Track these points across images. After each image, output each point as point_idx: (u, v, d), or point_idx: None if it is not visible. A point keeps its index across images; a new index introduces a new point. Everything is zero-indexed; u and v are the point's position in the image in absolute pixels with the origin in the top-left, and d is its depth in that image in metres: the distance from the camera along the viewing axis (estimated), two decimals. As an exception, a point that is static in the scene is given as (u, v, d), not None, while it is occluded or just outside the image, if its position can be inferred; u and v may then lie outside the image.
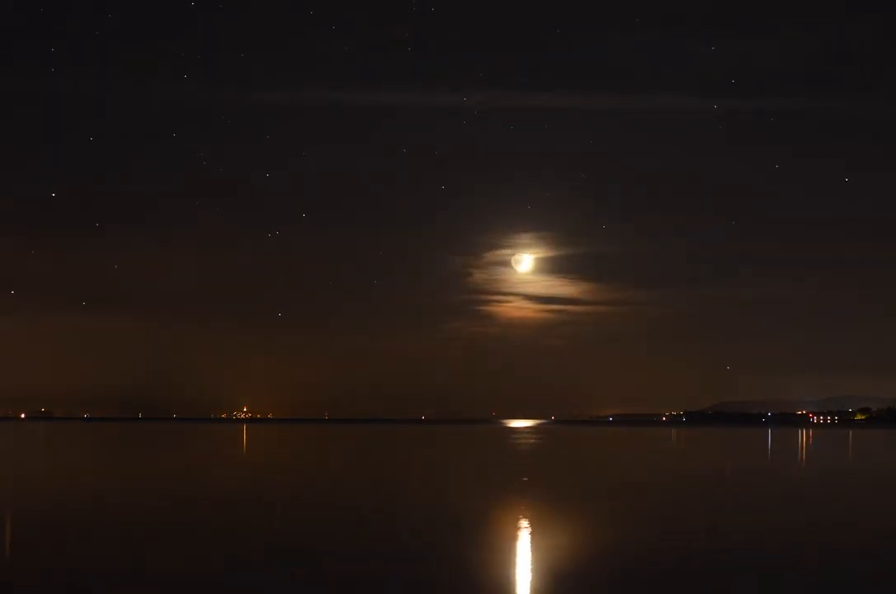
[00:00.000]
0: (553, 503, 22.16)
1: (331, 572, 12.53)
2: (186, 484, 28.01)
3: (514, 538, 15.80)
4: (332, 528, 17.00)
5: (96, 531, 16.60)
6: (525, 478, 30.60)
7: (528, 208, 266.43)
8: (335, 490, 25.75)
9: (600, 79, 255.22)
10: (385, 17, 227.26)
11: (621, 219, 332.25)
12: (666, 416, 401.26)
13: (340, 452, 55.70)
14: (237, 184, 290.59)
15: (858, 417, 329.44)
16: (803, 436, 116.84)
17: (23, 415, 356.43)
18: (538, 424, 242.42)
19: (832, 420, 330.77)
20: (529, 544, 15.07)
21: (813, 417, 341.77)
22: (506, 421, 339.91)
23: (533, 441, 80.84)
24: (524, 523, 17.75)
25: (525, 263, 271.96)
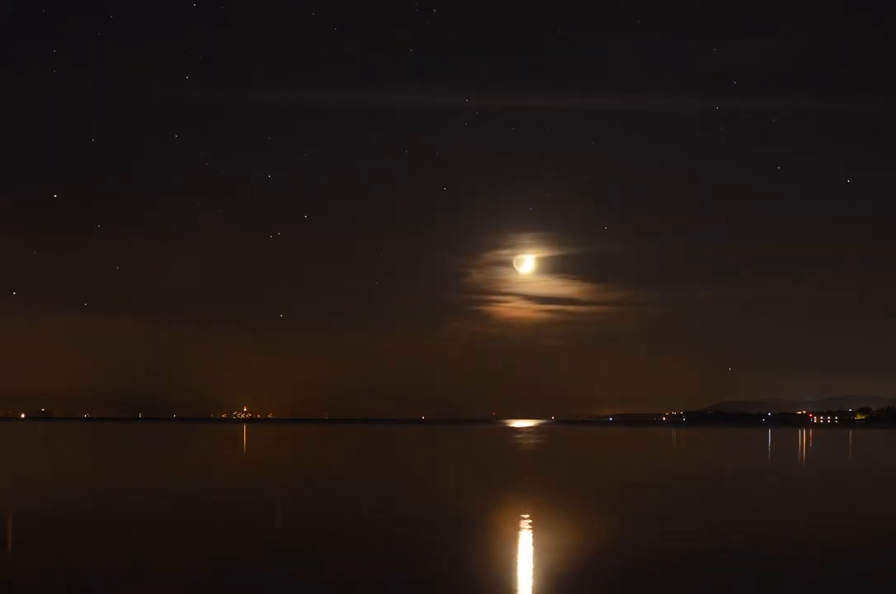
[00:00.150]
0: (554, 503, 22.16)
1: (331, 572, 12.53)
2: (186, 484, 28.01)
3: (514, 538, 15.80)
4: (332, 528, 16.99)
5: (96, 531, 16.59)
6: (526, 478, 30.59)
7: (528, 208, 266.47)
8: (335, 490, 25.75)
9: (600, 79, 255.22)
10: (386, 18, 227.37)
11: (621, 219, 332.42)
12: (666, 416, 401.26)
13: (340, 452, 55.71)
14: (238, 184, 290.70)
15: (858, 417, 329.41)
16: (803, 436, 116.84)
17: (23, 415, 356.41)
18: (538, 424, 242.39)
19: (832, 420, 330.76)
20: (530, 544, 15.07)
21: (813, 417, 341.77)
22: (506, 421, 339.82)
23: (533, 441, 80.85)
24: (524, 523, 17.75)
25: (525, 263, 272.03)
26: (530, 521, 18.04)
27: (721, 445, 75.43)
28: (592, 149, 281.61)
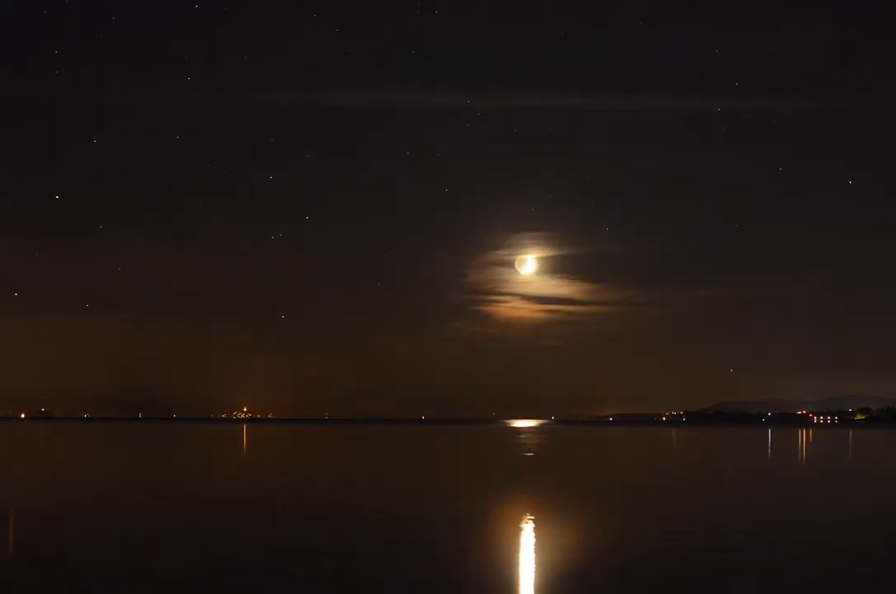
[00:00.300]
0: (554, 503, 22.15)
1: (331, 572, 12.53)
2: (185, 484, 28.00)
3: (514, 538, 15.80)
4: (332, 528, 16.99)
5: (96, 531, 16.60)
6: (526, 478, 30.60)
7: (528, 209, 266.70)
8: (335, 490, 25.74)
9: (601, 79, 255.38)
10: (387, 19, 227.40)
11: (622, 219, 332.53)
12: (666, 416, 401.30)
13: (340, 452, 55.71)
14: (239, 184, 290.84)
15: (858, 417, 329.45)
16: (803, 436, 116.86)
17: (23, 415, 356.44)
18: (538, 424, 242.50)
19: (832, 420, 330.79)
20: (530, 544, 15.07)
21: (813, 417, 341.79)
22: (506, 421, 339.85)
23: (533, 441, 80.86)
24: (525, 523, 17.75)
25: (525, 263, 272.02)
26: (531, 521, 18.04)
27: (721, 445, 75.46)
28: (593, 149, 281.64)
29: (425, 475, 33.71)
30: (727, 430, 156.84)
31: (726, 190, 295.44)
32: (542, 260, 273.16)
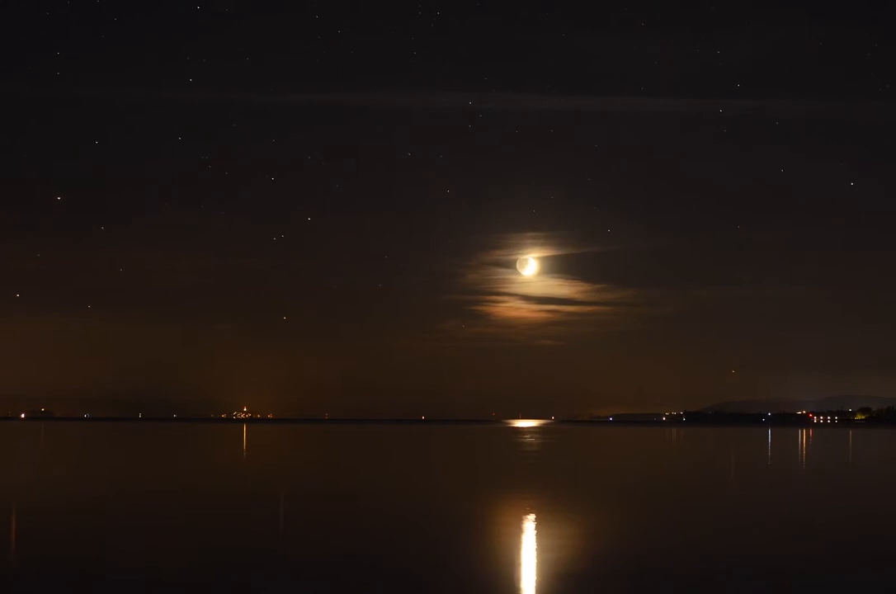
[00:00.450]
0: (555, 503, 22.12)
1: (331, 572, 12.51)
2: (185, 484, 27.97)
3: (516, 538, 15.78)
4: (332, 528, 16.97)
5: (95, 531, 16.59)
6: (527, 478, 30.58)
7: (529, 210, 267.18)
8: (335, 490, 25.72)
9: (602, 81, 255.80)
10: (391, 22, 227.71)
11: (622, 219, 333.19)
12: (666, 416, 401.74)
13: (340, 452, 55.70)
14: (241, 186, 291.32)
15: (858, 417, 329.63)
16: (803, 436, 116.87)
17: (23, 416, 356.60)
18: (538, 425, 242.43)
19: (832, 420, 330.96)
20: (532, 544, 15.05)
21: (813, 417, 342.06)
22: (506, 421, 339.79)
23: (534, 441, 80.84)
24: (526, 523, 17.73)
25: (525, 264, 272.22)
26: (532, 521, 18.02)
27: (721, 445, 75.44)
28: (594, 150, 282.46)
29: (425, 475, 33.70)
30: (727, 430, 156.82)
31: (727, 191, 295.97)
32: (542, 260, 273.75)
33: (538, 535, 16.00)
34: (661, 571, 12.68)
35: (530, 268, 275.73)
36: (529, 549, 14.47)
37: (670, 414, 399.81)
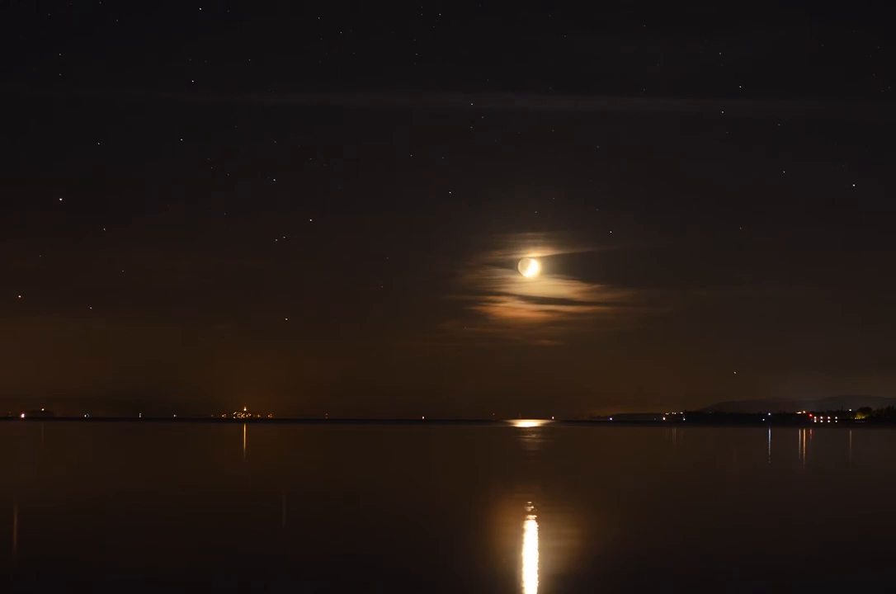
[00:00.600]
0: (556, 504, 22.12)
1: (332, 572, 12.52)
2: (185, 484, 27.99)
3: (517, 538, 15.79)
4: (332, 528, 16.98)
5: (95, 531, 16.59)
6: (529, 478, 30.59)
7: (527, 210, 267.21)
8: (335, 490, 25.72)
9: (603, 82, 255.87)
10: (392, 23, 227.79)
11: (622, 219, 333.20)
12: (666, 416, 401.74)
13: (340, 452, 55.70)
14: (242, 187, 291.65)
15: (858, 417, 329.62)
16: (803, 435, 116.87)
17: (23, 416, 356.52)
18: (539, 425, 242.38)
19: (832, 420, 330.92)
20: (533, 544, 15.06)
21: (813, 417, 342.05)
22: (506, 422, 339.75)
23: (536, 441, 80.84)
24: (527, 523, 17.73)
25: (526, 264, 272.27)
26: (532, 521, 18.02)
27: (721, 445, 75.45)
28: (594, 150, 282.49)
29: (426, 475, 33.69)
30: (727, 430, 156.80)
31: (727, 191, 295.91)
32: (542, 260, 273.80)
33: (539, 535, 16.00)
34: (662, 571, 12.68)
35: (530, 268, 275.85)
36: (530, 549, 14.47)
37: (670, 414, 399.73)
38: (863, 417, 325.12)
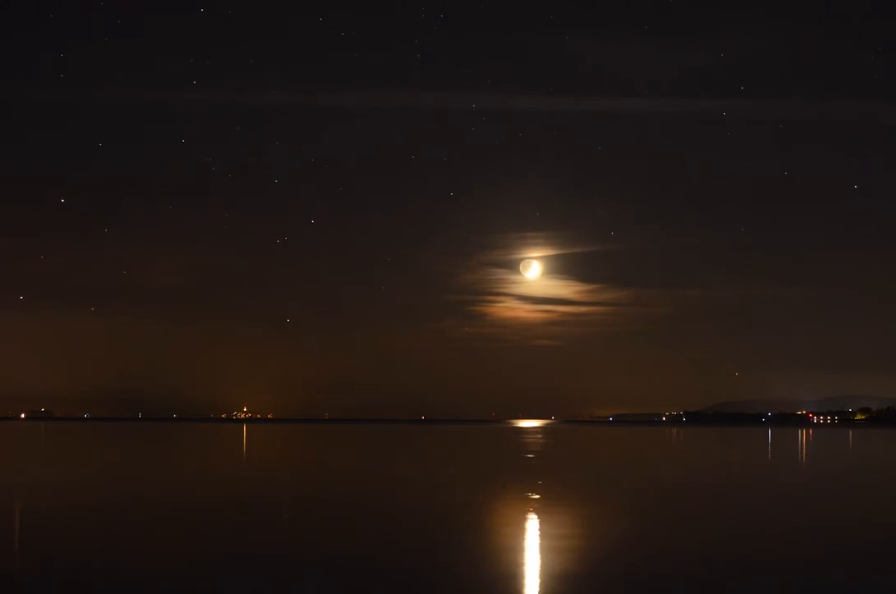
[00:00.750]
0: (558, 504, 22.09)
1: (332, 572, 12.48)
2: (185, 484, 27.96)
3: (518, 538, 15.75)
4: (332, 529, 16.95)
5: (94, 531, 16.56)
6: (530, 478, 30.55)
7: (526, 210, 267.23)
8: (335, 490, 25.70)
9: (603, 83, 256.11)
10: (394, 24, 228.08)
11: (622, 220, 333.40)
12: (666, 416, 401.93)
13: (340, 452, 55.67)
14: (243, 187, 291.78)
15: (858, 417, 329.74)
16: (803, 435, 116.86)
17: (23, 416, 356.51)
18: (540, 425, 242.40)
19: (832, 420, 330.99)
20: (535, 544, 15.02)
21: (813, 417, 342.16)
22: (506, 422, 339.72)
23: (537, 441, 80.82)
24: (530, 523, 17.70)
25: (526, 264, 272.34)
26: (535, 521, 17.99)
27: (721, 446, 75.45)
28: (594, 150, 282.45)
29: (426, 475, 33.65)
30: (727, 430, 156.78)
31: (728, 190, 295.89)
32: (543, 260, 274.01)
33: (541, 535, 15.96)
34: (662, 571, 12.64)
35: (530, 268, 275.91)
36: (531, 549, 14.44)
37: (670, 414, 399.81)
38: (863, 417, 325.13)
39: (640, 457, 50.50)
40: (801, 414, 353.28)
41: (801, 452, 59.56)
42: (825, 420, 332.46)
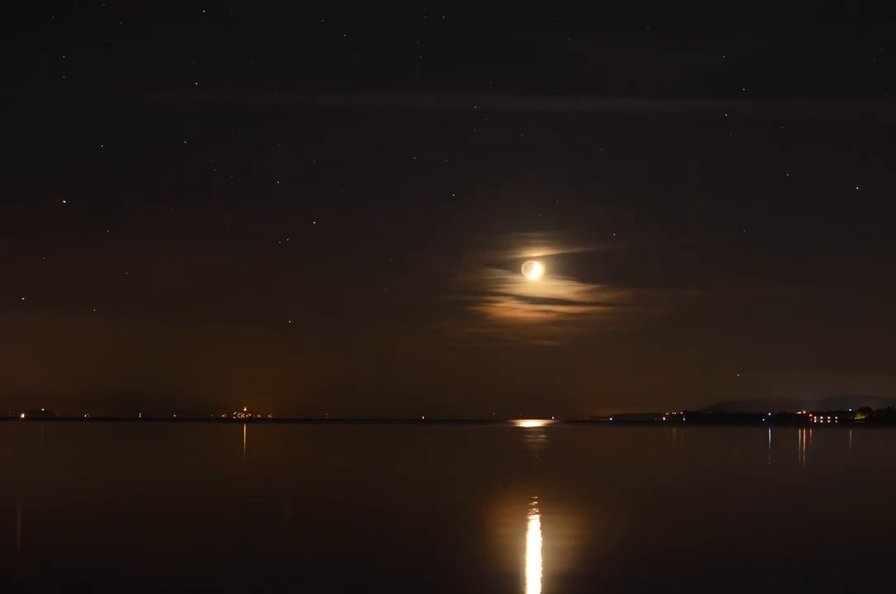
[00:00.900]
0: (558, 504, 22.07)
1: (332, 572, 12.47)
2: (185, 484, 27.95)
3: (519, 538, 15.74)
4: (332, 529, 16.94)
5: (94, 531, 16.54)
6: (532, 478, 30.54)
7: (528, 210, 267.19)
8: (335, 490, 25.68)
9: (604, 82, 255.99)
10: (396, 25, 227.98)
11: (622, 220, 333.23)
12: (666, 416, 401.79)
13: (340, 452, 55.65)
14: (244, 187, 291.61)
15: (858, 417, 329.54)
16: (803, 435, 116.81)
17: (23, 416, 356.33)
18: (540, 425, 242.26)
19: (832, 420, 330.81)
20: (536, 544, 15.01)
21: (813, 417, 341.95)
22: (506, 422, 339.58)
23: (537, 441, 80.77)
24: (530, 523, 17.68)
25: (526, 264, 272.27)
26: (535, 521, 17.97)
27: (721, 445, 75.41)
28: (594, 150, 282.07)
29: (426, 475, 33.63)
30: (727, 430, 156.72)
31: (728, 190, 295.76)
32: (543, 260, 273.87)
33: (541, 535, 15.95)
34: (662, 571, 12.63)
35: (530, 268, 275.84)
36: (532, 549, 14.43)
37: (670, 414, 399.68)
38: (863, 417, 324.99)
39: (640, 458, 50.47)
40: (801, 414, 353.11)
41: (801, 452, 59.53)
42: (825, 420, 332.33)
